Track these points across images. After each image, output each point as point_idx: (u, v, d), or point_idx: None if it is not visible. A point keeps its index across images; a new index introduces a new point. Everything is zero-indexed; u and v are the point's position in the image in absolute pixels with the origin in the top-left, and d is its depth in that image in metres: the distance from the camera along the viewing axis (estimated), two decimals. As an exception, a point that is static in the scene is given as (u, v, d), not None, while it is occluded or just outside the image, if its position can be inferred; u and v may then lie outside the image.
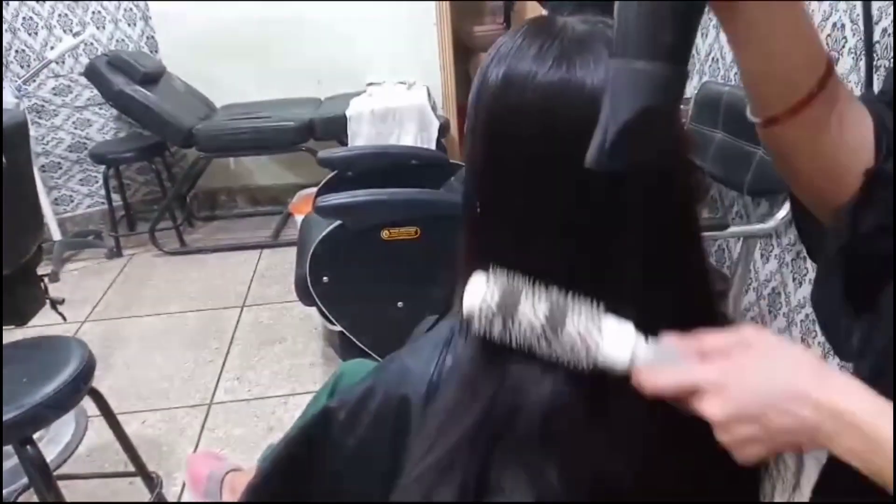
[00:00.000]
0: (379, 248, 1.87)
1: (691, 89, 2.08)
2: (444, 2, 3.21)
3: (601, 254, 0.46)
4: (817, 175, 0.50)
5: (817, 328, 1.63)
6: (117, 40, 3.19)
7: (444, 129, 3.02)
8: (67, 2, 3.02)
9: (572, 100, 0.45)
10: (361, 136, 2.88)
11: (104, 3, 3.11)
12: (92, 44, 3.12)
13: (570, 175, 0.45)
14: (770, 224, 1.64)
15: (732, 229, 1.69)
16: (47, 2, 2.99)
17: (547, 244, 0.46)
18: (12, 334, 1.60)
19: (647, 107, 0.38)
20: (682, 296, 0.50)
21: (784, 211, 1.59)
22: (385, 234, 1.86)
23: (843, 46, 1.42)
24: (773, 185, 1.57)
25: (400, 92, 3.09)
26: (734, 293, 1.72)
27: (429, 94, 3.11)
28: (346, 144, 2.87)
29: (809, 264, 1.63)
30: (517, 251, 0.47)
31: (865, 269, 0.49)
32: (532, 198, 0.46)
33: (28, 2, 2.95)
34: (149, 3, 3.15)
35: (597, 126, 0.40)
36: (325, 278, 1.88)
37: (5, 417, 1.22)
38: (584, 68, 0.45)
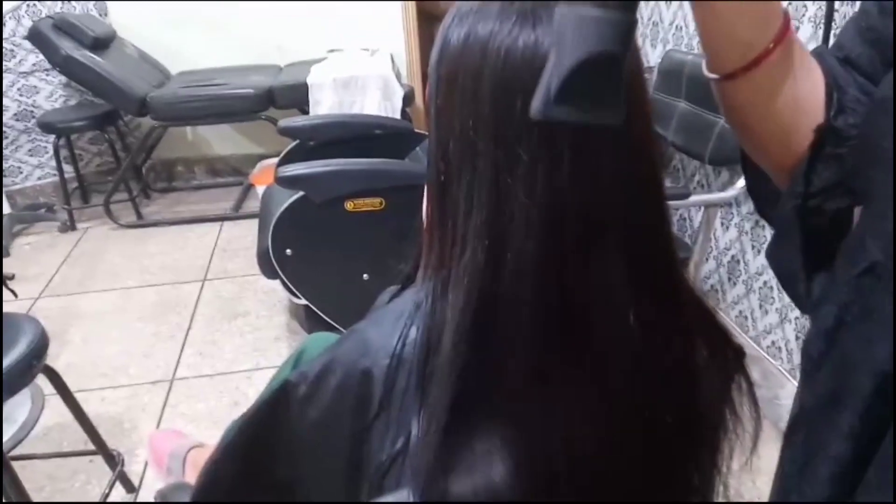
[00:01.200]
0: (343, 219, 1.84)
1: (655, 58, 2.08)
2: (407, -34, 3.13)
3: (567, 219, 0.45)
4: (772, 133, 0.51)
5: (775, 294, 1.68)
6: (63, 3, 3.03)
7: (408, 98, 2.97)
8: (7, -40, 2.86)
9: (534, 60, 0.43)
10: (323, 105, 2.82)
11: (47, -38, 2.94)
12: (34, 5, 2.96)
13: (532, 138, 0.44)
14: (730, 193, 1.67)
15: (693, 198, 1.71)
16: (-15, -40, 2.82)
17: (511, 210, 0.45)
18: (-41, 312, 1.54)
19: (593, 52, 0.36)
20: (648, 263, 0.50)
21: (744, 180, 1.61)
22: (349, 205, 1.83)
23: (804, 15, 1.43)
24: (734, 154, 1.57)
25: (363, 59, 3.02)
26: (695, 261, 1.75)
27: (393, 62, 3.05)
28: (308, 113, 2.81)
29: (768, 232, 1.67)
30: (480, 219, 0.46)
31: (821, 225, 0.49)
32: (495, 163, 0.45)
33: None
34: (96, -37, 3.01)
35: (542, 74, 0.38)
36: (288, 251, 1.85)
37: (-47, 398, 1.18)
38: (548, 27, 0.43)
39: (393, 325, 0.52)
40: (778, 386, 1.67)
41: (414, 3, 3.22)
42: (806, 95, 0.49)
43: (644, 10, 2.22)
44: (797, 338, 1.62)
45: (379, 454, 0.51)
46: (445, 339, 0.48)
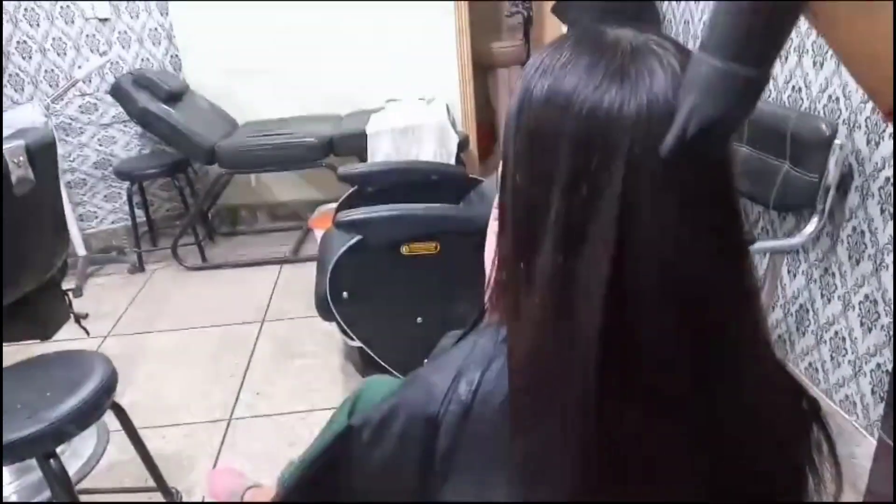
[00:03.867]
0: (399, 263, 1.87)
1: None
2: (463, 18, 3.23)
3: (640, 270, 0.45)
4: None
5: (847, 346, 1.59)
6: (142, 59, 3.25)
7: (463, 145, 3.03)
8: (95, 22, 3.10)
9: (618, 120, 0.43)
10: (381, 152, 2.90)
11: (130, 22, 3.17)
12: (118, 63, 3.19)
13: (612, 191, 0.44)
14: (797, 239, 1.61)
15: (759, 245, 1.66)
16: (75, 23, 3.06)
17: (583, 261, 0.45)
18: (36, 348, 1.62)
19: (734, 108, 0.39)
20: (727, 315, 0.48)
21: (812, 226, 1.56)
22: (405, 249, 1.86)
23: None
24: (800, 199, 1.54)
25: (419, 108, 3.11)
26: (761, 308, 1.69)
27: (448, 111, 3.12)
28: (366, 160, 2.89)
29: (838, 279, 1.60)
30: (550, 266, 0.46)
31: None
32: (568, 213, 0.45)
33: (58, 24, 3.03)
34: (173, 22, 3.22)
35: (676, 115, 0.41)
36: (344, 294, 1.88)
37: (29, 431, 1.23)
38: (637, 87, 0.44)
39: (457, 370, 0.52)
40: (853, 443, 1.56)
41: (469, 53, 3.31)
42: None
43: (677, 9, 2.25)
44: (873, 391, 1.53)
45: (440, 498, 0.50)
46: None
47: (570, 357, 0.46)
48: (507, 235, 0.51)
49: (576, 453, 0.47)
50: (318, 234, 2.47)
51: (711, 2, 2.03)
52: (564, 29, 0.59)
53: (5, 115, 2.66)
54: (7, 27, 2.93)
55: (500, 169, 0.52)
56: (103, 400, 1.35)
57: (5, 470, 1.72)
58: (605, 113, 0.44)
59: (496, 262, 0.53)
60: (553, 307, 0.46)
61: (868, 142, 1.44)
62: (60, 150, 3.03)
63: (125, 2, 3.13)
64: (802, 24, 1.84)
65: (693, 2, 2.15)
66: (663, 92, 0.43)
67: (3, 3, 2.82)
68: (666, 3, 2.32)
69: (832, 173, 1.46)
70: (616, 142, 0.43)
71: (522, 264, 0.49)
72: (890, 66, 0.46)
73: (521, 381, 0.48)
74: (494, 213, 0.67)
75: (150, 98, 2.89)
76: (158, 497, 1.61)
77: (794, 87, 1.68)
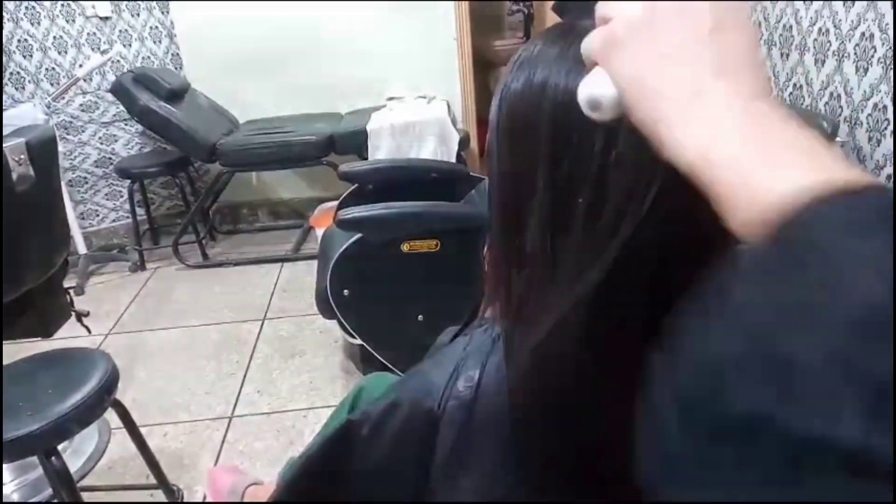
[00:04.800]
0: (399, 261, 1.87)
1: None
2: (464, 16, 3.23)
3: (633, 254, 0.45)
4: None
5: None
6: (143, 57, 3.25)
7: (464, 143, 3.03)
8: (96, 20, 3.10)
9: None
10: (382, 150, 2.90)
11: (131, 21, 3.17)
12: (119, 61, 3.19)
13: (593, 172, 0.44)
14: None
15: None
16: (76, 21, 3.06)
17: (573, 245, 0.45)
18: (38, 346, 1.62)
19: None
20: None
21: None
22: (405, 247, 1.86)
23: (872, 56, 1.39)
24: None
25: (420, 106, 3.10)
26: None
27: (449, 108, 3.12)
28: (367, 158, 2.89)
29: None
30: (547, 257, 0.46)
31: None
32: (554, 200, 0.46)
33: (59, 22, 3.03)
34: (174, 20, 3.22)
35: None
36: (345, 291, 1.89)
37: (31, 429, 1.23)
38: None
39: (455, 366, 0.52)
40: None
41: (470, 51, 3.31)
42: None
43: None
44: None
45: (443, 494, 0.50)
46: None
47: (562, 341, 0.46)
48: (495, 227, 0.51)
49: (574, 444, 0.47)
50: (319, 232, 2.47)
51: None
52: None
53: (6, 114, 2.66)
54: (8, 25, 2.94)
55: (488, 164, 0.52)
56: (104, 397, 1.35)
57: (6, 468, 1.73)
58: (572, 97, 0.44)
59: (488, 257, 0.53)
60: (541, 289, 0.46)
61: (870, 139, 1.44)
62: (61, 149, 3.04)
63: (126, 0, 3.13)
64: (804, 21, 1.84)
65: None
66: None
67: (4, 1, 2.82)
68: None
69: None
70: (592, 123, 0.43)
71: (511, 256, 0.49)
72: None
73: (517, 370, 0.48)
74: None
75: (150, 96, 2.89)
76: (160, 494, 1.62)
77: (795, 84, 1.68)
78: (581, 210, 0.45)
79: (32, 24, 2.99)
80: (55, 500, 1.37)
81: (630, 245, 0.44)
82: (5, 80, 2.98)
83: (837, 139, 1.45)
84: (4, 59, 2.95)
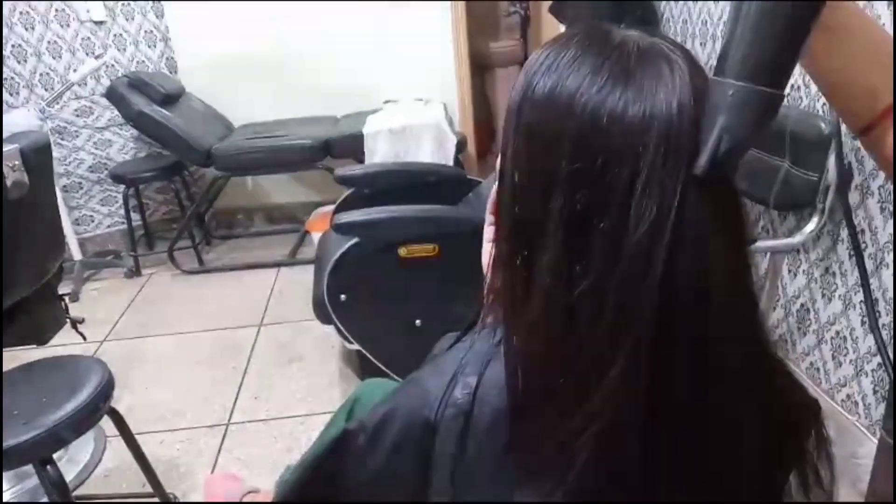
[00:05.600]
0: (397, 265, 1.86)
1: (704, 57, 2.08)
2: (460, 18, 3.22)
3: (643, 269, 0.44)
4: None
5: (849, 345, 1.59)
6: (138, 62, 3.24)
7: (461, 146, 3.02)
8: (90, 25, 3.08)
9: (620, 123, 0.43)
10: (378, 154, 2.89)
11: (125, 25, 3.16)
12: (113, 66, 3.17)
13: (609, 194, 0.44)
14: (797, 239, 1.60)
15: (759, 244, 1.65)
16: (71, 26, 3.05)
17: (581, 262, 0.44)
18: (33, 354, 1.61)
19: (762, 126, 0.44)
20: (730, 316, 0.47)
21: (812, 225, 1.55)
22: (403, 251, 1.85)
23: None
24: (800, 198, 1.53)
25: (417, 109, 3.10)
26: (762, 309, 1.68)
27: (445, 111, 3.11)
28: (363, 162, 2.88)
29: (839, 279, 1.59)
30: (548, 268, 0.45)
31: None
32: (569, 214, 0.45)
33: (53, 27, 3.01)
34: (168, 24, 3.21)
35: (706, 133, 0.43)
36: (342, 296, 1.87)
37: (25, 437, 1.22)
38: (643, 92, 0.44)
39: (453, 373, 0.51)
40: (856, 443, 1.56)
41: (466, 53, 3.30)
42: None
43: (674, 9, 2.25)
44: (875, 391, 1.52)
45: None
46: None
47: (573, 356, 0.45)
48: (504, 232, 0.50)
49: (580, 455, 0.46)
50: (316, 236, 2.46)
51: (715, 3, 2.03)
52: (562, 29, 0.59)
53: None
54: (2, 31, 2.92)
55: (498, 162, 0.51)
56: (100, 405, 1.34)
57: (3, 476, 1.71)
58: (608, 114, 0.44)
59: (492, 262, 0.52)
60: (554, 307, 0.45)
61: (868, 140, 1.43)
62: (56, 154, 3.02)
63: (120, 3, 3.12)
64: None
65: (691, 2, 2.15)
66: (670, 98, 0.44)
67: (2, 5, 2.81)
68: (664, 3, 2.31)
69: (832, 172, 1.45)
70: (620, 145, 0.43)
71: (520, 261, 0.48)
72: (858, 88, 0.53)
73: (520, 380, 0.47)
74: (490, 218, 0.66)
75: (145, 101, 2.87)
76: (156, 503, 1.60)
77: (793, 85, 1.67)
78: (599, 226, 0.44)
79: (27, 29, 2.97)
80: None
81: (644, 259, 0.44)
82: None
83: (836, 140, 1.45)
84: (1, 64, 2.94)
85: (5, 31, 2.92)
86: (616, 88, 0.44)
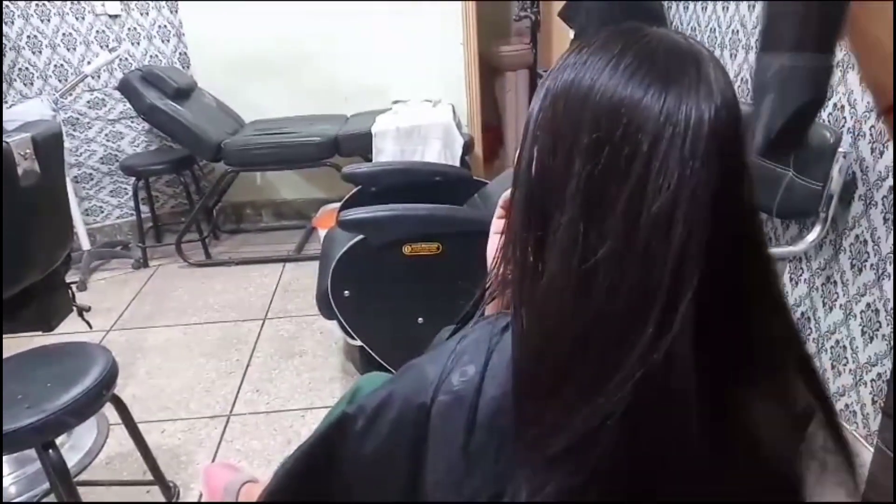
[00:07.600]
0: (401, 263, 1.87)
1: None
2: (471, 21, 3.24)
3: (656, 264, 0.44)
4: None
5: (848, 355, 1.59)
6: (151, 56, 3.27)
7: (468, 147, 3.03)
8: (105, 18, 3.12)
9: (633, 111, 0.44)
10: (386, 153, 2.91)
11: (140, 19, 3.19)
12: (127, 59, 3.21)
13: (630, 162, 0.44)
14: (800, 247, 1.61)
15: (760, 251, 1.66)
16: (86, 19, 3.09)
17: (594, 257, 0.44)
18: (39, 341, 1.63)
19: (817, 96, 0.41)
20: (746, 310, 0.48)
21: (814, 234, 1.56)
22: (407, 249, 1.86)
23: None
24: (803, 207, 1.54)
25: (425, 110, 3.11)
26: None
27: (454, 113, 3.13)
28: (371, 160, 2.90)
29: (840, 288, 1.59)
30: (562, 264, 0.46)
31: None
32: (589, 181, 0.45)
33: (68, 19, 3.05)
34: (182, 20, 3.24)
35: (756, 118, 0.42)
36: (346, 292, 1.89)
37: (29, 421, 1.23)
38: (669, 73, 0.45)
39: (450, 361, 0.52)
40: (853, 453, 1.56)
41: (476, 56, 3.31)
42: None
43: (684, 15, 2.25)
44: (874, 401, 1.52)
45: (437, 488, 0.50)
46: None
47: (589, 333, 0.46)
48: (519, 202, 0.50)
49: (590, 439, 0.46)
50: (322, 233, 2.47)
51: (737, 5, 2.03)
52: (571, 33, 0.60)
53: (14, 109, 2.68)
54: (18, 22, 2.96)
55: (516, 154, 0.51)
56: (103, 392, 1.35)
57: (4, 460, 1.73)
58: (631, 94, 0.45)
59: (501, 251, 0.53)
60: (568, 277, 0.46)
61: (872, 151, 1.44)
62: (68, 145, 3.06)
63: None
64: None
65: (700, 3, 2.16)
66: (695, 76, 0.44)
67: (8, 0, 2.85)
68: (673, 7, 2.32)
69: (836, 181, 1.46)
70: (641, 118, 0.44)
71: (533, 238, 0.48)
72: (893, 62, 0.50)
73: (531, 363, 0.48)
74: (499, 211, 0.67)
75: (157, 95, 2.90)
76: (156, 491, 1.62)
77: (799, 94, 1.68)
78: (618, 193, 0.44)
79: (42, 21, 3.01)
80: (52, 495, 1.37)
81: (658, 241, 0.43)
82: (14, 77, 3.00)
83: (840, 150, 1.45)
84: (13, 55, 2.97)
85: (21, 22, 2.96)
86: (641, 68, 0.45)
